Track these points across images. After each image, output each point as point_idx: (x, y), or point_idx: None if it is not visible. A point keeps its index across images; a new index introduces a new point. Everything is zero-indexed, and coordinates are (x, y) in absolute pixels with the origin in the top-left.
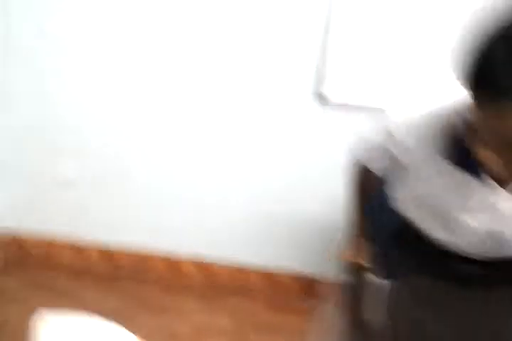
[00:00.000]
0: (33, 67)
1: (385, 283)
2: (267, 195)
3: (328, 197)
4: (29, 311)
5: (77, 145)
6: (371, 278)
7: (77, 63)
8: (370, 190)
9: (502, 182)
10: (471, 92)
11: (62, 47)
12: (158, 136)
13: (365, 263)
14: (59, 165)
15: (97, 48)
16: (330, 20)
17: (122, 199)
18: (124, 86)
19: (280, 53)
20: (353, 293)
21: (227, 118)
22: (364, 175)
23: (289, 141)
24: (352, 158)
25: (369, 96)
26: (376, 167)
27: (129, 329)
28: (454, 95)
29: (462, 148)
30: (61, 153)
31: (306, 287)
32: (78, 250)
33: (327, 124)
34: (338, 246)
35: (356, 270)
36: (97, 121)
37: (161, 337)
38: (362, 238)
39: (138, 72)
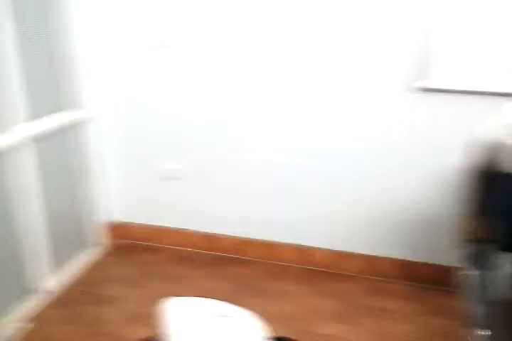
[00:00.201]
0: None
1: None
2: (368, 183)
3: (431, 182)
4: (145, 295)
5: (178, 141)
6: (494, 253)
7: (172, 61)
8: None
9: None
10: None
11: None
12: (259, 129)
13: (488, 238)
14: (163, 161)
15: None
16: (433, 4)
17: (222, 190)
18: (222, 81)
19: (383, 40)
20: (479, 271)
21: (331, 107)
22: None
23: (392, 128)
24: (473, 149)
25: (470, 81)
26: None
27: None
28: None
29: None
30: (164, 150)
31: (407, 271)
32: (183, 237)
33: (428, 110)
34: (461, 225)
35: (480, 245)
36: (198, 117)
37: (271, 319)
38: (483, 216)
39: (239, 69)
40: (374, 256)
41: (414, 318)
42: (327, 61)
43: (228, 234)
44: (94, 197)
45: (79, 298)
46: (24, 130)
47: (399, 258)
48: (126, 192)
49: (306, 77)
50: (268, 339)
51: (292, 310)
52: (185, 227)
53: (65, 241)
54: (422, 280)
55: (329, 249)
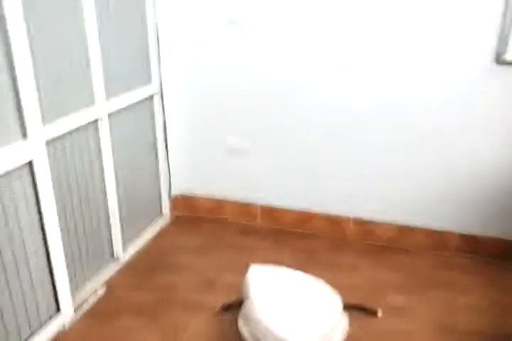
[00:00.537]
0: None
1: None
2: (445, 154)
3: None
4: (213, 264)
5: (245, 115)
6: None
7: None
8: None
9: None
10: None
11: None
12: (328, 103)
13: None
14: (229, 134)
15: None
16: None
17: (286, 164)
18: (289, 54)
19: (463, 14)
20: None
21: (415, 77)
22: None
23: (472, 101)
24: None
25: None
26: None
27: None
28: None
29: None
30: (231, 123)
31: (474, 245)
32: (247, 211)
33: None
34: None
35: None
36: (265, 91)
37: (340, 290)
38: None
39: (307, 42)
40: (440, 230)
41: (481, 292)
42: (410, 32)
43: (292, 207)
44: (163, 170)
45: (150, 265)
46: (103, 106)
47: (466, 232)
48: (192, 165)
49: (394, 45)
50: (345, 305)
51: (359, 283)
52: (249, 201)
53: (135, 212)
54: (489, 254)
55: (393, 223)
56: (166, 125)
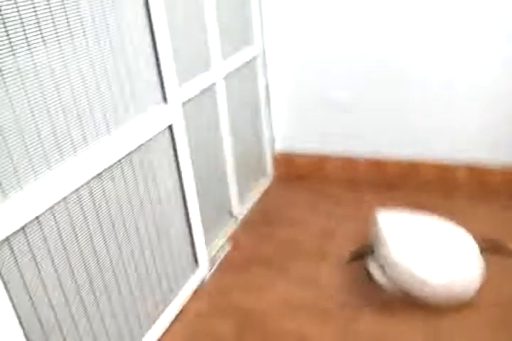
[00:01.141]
0: None
1: None
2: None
3: None
4: (323, 216)
5: (347, 71)
6: None
7: None
8: None
9: None
10: None
11: None
12: (424, 62)
13: None
14: (331, 88)
15: None
16: None
17: (387, 117)
18: (391, 12)
19: None
20: None
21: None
22: None
23: None
24: None
25: None
26: None
27: None
28: None
29: None
30: (333, 79)
31: None
32: (347, 164)
33: None
34: None
35: None
36: (365, 49)
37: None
38: None
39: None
40: None
41: None
42: None
43: (396, 158)
44: (267, 129)
45: (266, 221)
46: (219, 68)
47: None
48: (294, 123)
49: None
50: (480, 246)
51: (482, 228)
52: (352, 155)
53: (245, 172)
54: None
55: (502, 168)
56: (269, 85)
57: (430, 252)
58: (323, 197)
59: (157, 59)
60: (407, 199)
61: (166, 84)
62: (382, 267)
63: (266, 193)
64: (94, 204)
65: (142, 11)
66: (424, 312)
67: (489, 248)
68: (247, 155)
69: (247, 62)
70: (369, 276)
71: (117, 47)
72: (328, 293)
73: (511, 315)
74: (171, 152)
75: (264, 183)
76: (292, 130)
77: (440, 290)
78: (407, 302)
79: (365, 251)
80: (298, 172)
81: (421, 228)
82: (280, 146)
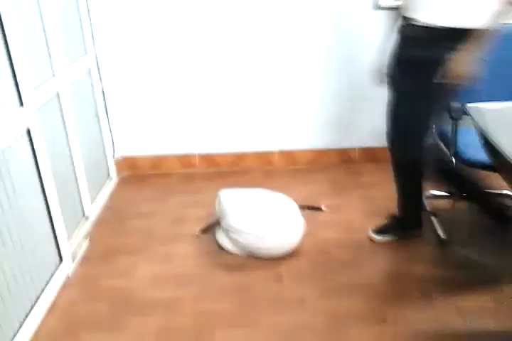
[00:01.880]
0: None
1: None
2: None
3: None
4: (171, 207)
5: (168, 80)
6: None
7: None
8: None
9: None
10: None
11: None
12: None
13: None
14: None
15: None
16: None
17: (211, 116)
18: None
19: None
20: None
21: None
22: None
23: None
24: None
25: None
26: None
27: None
28: None
29: None
30: (159, 89)
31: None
32: (184, 160)
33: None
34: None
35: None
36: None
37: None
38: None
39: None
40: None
41: (387, 186)
42: None
43: (221, 152)
44: (108, 133)
45: (119, 217)
46: (62, 76)
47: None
48: (132, 129)
49: None
50: (301, 206)
51: (298, 194)
52: (187, 152)
53: (93, 173)
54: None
55: (308, 149)
56: (105, 93)
57: (262, 215)
58: (169, 190)
59: (11, 62)
60: (237, 183)
61: (21, 87)
62: (227, 235)
63: (114, 193)
64: None
65: None
66: (265, 262)
67: (304, 207)
68: (92, 159)
69: (86, 71)
70: (218, 245)
71: None
72: (186, 263)
73: (324, 256)
74: (31, 156)
75: (110, 185)
76: (131, 134)
77: (273, 245)
78: (251, 259)
79: (213, 225)
80: (141, 173)
81: (254, 198)
82: (121, 150)
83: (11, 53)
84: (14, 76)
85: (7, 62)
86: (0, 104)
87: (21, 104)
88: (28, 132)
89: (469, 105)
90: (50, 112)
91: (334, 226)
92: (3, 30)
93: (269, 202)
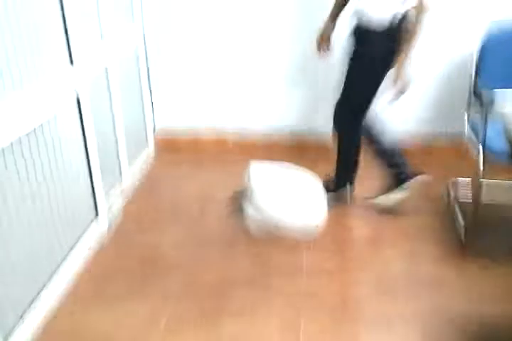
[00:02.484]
0: None
1: None
2: None
3: None
4: (206, 175)
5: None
6: None
7: None
8: None
9: None
10: None
11: None
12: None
13: None
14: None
15: None
16: None
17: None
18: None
19: None
20: None
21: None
22: None
23: None
24: None
25: None
26: None
27: None
28: None
29: None
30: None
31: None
32: (220, 138)
33: None
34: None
35: None
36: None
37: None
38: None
39: None
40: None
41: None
42: None
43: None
44: (147, 106)
45: (155, 180)
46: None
47: None
48: (171, 104)
49: None
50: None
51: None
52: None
53: (133, 142)
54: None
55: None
56: (149, 69)
57: (287, 196)
58: (201, 160)
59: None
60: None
61: (72, 46)
62: (251, 209)
63: (150, 160)
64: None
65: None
66: (288, 244)
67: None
68: (133, 127)
69: (133, 44)
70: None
71: None
72: (211, 231)
73: (344, 241)
74: (77, 115)
75: (147, 152)
76: (170, 106)
77: (294, 227)
78: (273, 237)
79: (241, 195)
80: (177, 143)
81: (281, 175)
82: (160, 121)
83: (65, 12)
84: (67, 36)
85: (61, 20)
86: (52, 61)
87: (71, 62)
88: (76, 94)
89: (497, 90)
90: (97, 78)
91: None
92: None
93: (295, 182)
